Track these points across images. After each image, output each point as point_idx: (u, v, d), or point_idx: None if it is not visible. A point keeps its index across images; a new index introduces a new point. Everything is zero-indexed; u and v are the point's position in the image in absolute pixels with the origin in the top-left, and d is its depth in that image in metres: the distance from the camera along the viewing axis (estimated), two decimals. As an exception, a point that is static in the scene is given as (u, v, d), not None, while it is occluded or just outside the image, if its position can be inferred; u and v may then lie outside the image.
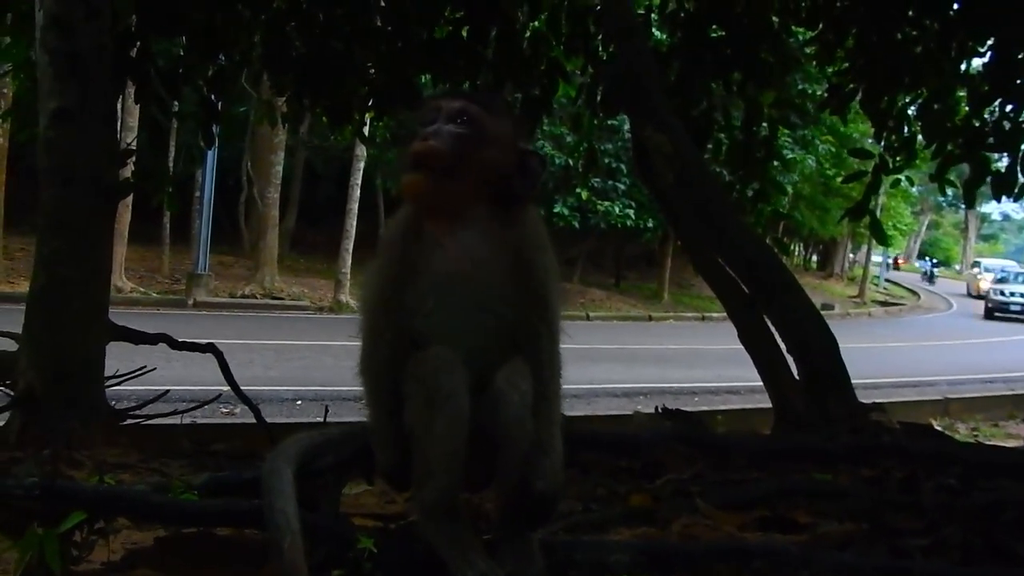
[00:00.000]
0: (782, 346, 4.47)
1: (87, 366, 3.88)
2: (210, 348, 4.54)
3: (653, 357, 16.01)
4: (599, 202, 25.15)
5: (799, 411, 4.19)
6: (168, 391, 4.81)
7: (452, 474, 1.97)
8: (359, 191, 20.83)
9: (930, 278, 53.47)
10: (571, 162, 21.28)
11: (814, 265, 49.26)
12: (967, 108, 6.02)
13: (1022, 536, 2.18)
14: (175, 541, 2.05)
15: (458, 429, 1.94)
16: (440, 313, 2.03)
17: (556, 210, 24.23)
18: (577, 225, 24.98)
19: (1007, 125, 5.63)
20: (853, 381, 4.43)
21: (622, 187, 25.42)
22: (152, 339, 4.41)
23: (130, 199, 14.75)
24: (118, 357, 4.35)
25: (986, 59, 5.92)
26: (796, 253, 46.49)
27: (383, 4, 6.09)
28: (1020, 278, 38.25)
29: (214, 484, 2.20)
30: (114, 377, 4.21)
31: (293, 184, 27.08)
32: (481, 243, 2.03)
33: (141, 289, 18.70)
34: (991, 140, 5.67)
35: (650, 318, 24.21)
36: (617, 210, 25.34)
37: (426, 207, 2.05)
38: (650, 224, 25.40)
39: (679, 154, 4.37)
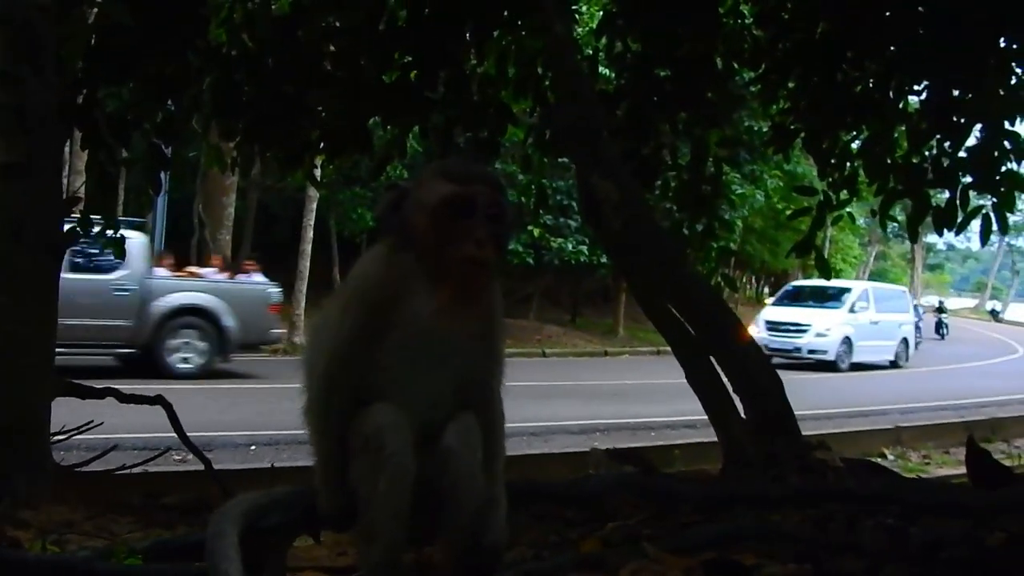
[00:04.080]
0: (729, 388, 4.53)
1: (33, 422, 3.83)
2: (158, 400, 4.49)
3: (610, 393, 16.07)
4: (552, 239, 25.29)
5: (747, 452, 4.24)
6: (116, 445, 4.77)
7: (397, 532, 1.99)
8: (312, 232, 20.71)
9: None
10: (524, 200, 21.40)
11: (766, 297, 49.68)
12: (907, 146, 6.15)
13: (961, 573, 2.23)
14: (121, 605, 2.03)
15: (402, 488, 1.97)
16: (405, 367, 2.05)
17: (510, 247, 24.22)
18: (532, 262, 25.08)
19: (945, 162, 5.76)
20: (806, 412, 4.52)
21: (574, 224, 25.60)
22: (99, 394, 4.37)
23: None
24: (66, 406, 4.30)
25: (923, 98, 6.08)
26: (748, 286, 46.92)
27: (333, 49, 6.12)
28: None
29: (159, 548, 2.18)
30: (61, 432, 4.16)
31: (246, 225, 26.91)
32: (458, 305, 2.07)
33: (91, 334, 18.36)
34: (931, 176, 5.79)
35: (606, 353, 24.31)
36: (570, 247, 25.50)
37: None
38: (603, 260, 25.55)
39: (626, 201, 4.43)
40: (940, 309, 42.87)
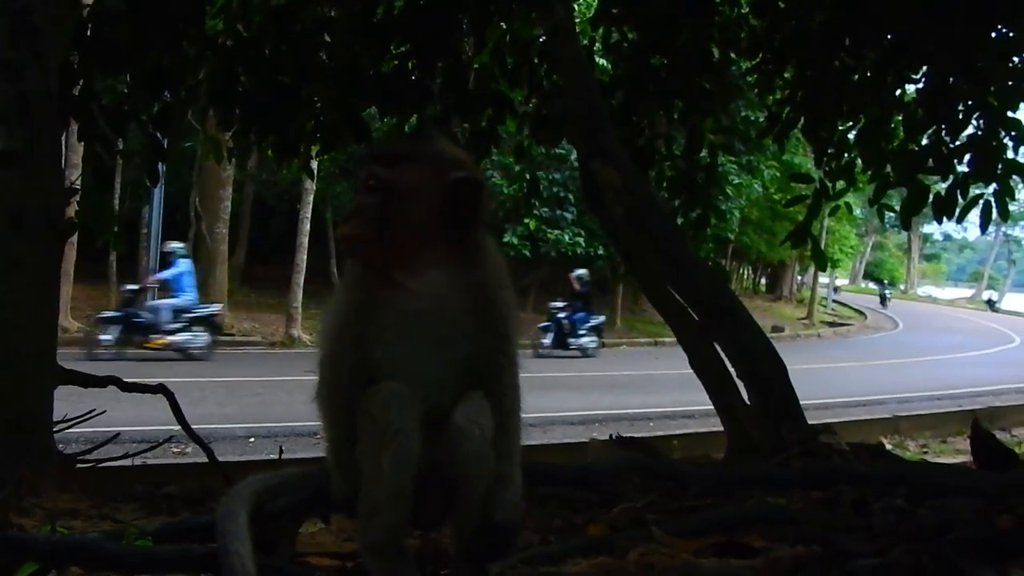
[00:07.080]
0: (733, 373, 4.53)
1: (35, 411, 3.81)
2: (160, 389, 4.47)
3: (608, 384, 16.08)
4: (549, 231, 25.36)
5: (752, 436, 4.24)
6: (119, 434, 4.75)
7: (398, 511, 1.97)
8: (309, 224, 20.69)
9: (883, 301, 50.05)
10: (518, 191, 21.45)
11: (763, 288, 49.85)
12: (903, 134, 6.15)
13: (970, 554, 2.22)
14: (129, 588, 2.02)
15: (406, 466, 1.95)
16: (401, 347, 2.04)
17: (507, 239, 24.36)
18: (528, 254, 25.12)
19: (943, 150, 5.75)
20: (805, 402, 4.51)
21: (570, 216, 25.66)
22: (101, 382, 4.35)
23: (75, 237, 14.48)
24: (66, 399, 4.28)
25: (920, 86, 6.08)
26: (745, 276, 47.04)
27: (329, 39, 6.11)
28: None
29: (168, 529, 2.17)
30: (63, 421, 4.15)
31: (242, 219, 26.88)
32: (442, 281, 2.05)
33: (88, 329, 18.37)
34: (930, 164, 5.78)
35: (603, 344, 24.31)
36: (567, 238, 25.56)
37: (376, 267, 2.07)
38: (600, 251, 25.58)
39: (628, 187, 4.43)
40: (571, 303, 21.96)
